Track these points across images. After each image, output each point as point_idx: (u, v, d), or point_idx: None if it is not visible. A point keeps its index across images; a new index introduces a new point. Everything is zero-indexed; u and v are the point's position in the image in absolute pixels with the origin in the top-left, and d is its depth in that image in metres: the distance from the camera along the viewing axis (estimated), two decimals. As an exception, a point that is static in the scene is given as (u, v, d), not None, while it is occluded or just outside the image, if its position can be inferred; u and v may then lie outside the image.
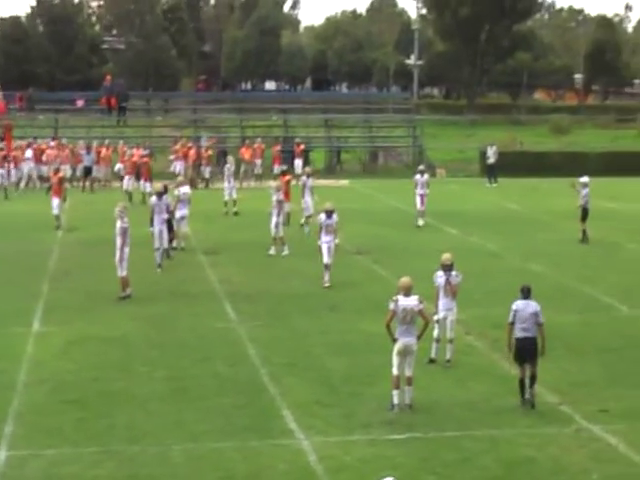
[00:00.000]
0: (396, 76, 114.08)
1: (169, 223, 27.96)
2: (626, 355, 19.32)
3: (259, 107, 67.01)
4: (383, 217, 37.77)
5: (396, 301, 15.83)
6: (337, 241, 25.14)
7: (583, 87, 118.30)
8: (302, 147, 51.16)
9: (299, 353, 19.19)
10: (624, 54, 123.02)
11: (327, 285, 24.75)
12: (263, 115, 65.17)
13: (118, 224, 23.23)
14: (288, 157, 51.82)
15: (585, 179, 32.78)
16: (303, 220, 33.30)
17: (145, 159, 42.84)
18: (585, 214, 32.29)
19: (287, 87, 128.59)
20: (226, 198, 37.76)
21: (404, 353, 15.80)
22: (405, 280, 16.13)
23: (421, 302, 15.96)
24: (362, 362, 18.47)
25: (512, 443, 14.62)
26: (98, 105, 58.27)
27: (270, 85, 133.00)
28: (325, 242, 24.82)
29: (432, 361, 18.35)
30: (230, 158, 40.40)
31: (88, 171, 46.98)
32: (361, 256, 29.40)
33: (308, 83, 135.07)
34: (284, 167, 44.32)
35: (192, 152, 48.48)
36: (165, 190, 28.12)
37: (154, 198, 27.10)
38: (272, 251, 29.20)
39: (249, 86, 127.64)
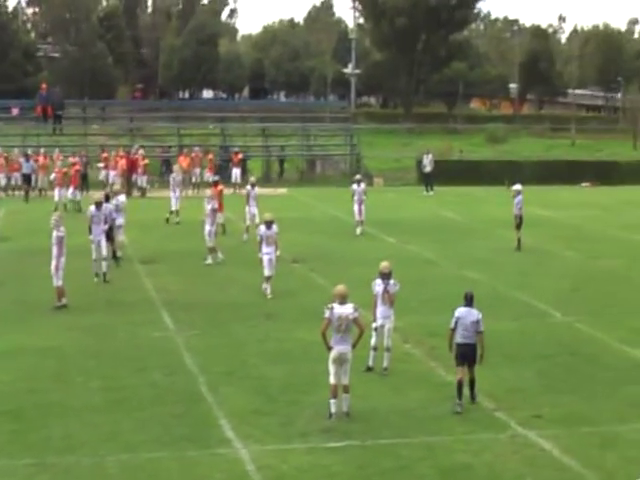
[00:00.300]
0: (333, 85, 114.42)
1: (109, 232, 27.76)
2: (560, 361, 19.54)
3: (196, 115, 66.92)
4: (321, 225, 37.86)
5: (331, 309, 15.84)
6: (278, 253, 25.08)
7: (518, 96, 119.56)
8: (240, 156, 51.10)
9: (236, 362, 19.15)
10: (558, 64, 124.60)
11: (269, 296, 24.64)
12: (200, 124, 65.08)
13: (54, 233, 23.02)
14: (225, 166, 51.77)
15: (518, 187, 33.12)
16: (245, 231, 33.16)
17: (76, 167, 42.65)
18: (519, 222, 32.60)
19: (224, 96, 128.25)
20: (173, 208, 37.47)
21: (339, 361, 15.81)
22: (340, 288, 16.15)
23: (356, 310, 15.97)
24: (300, 370, 18.47)
25: (448, 450, 14.71)
26: (33, 113, 57.70)
27: (207, 94, 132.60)
28: (266, 254, 24.68)
29: (369, 369, 18.41)
30: (176, 167, 40.15)
31: (27, 179, 46.59)
32: (298, 264, 29.42)
33: (246, 92, 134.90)
34: (216, 177, 44.10)
35: (122, 161, 48.17)
36: (107, 199, 28.01)
37: (93, 208, 26.74)
38: (209, 260, 29.13)
39: (186, 95, 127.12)
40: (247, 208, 33.85)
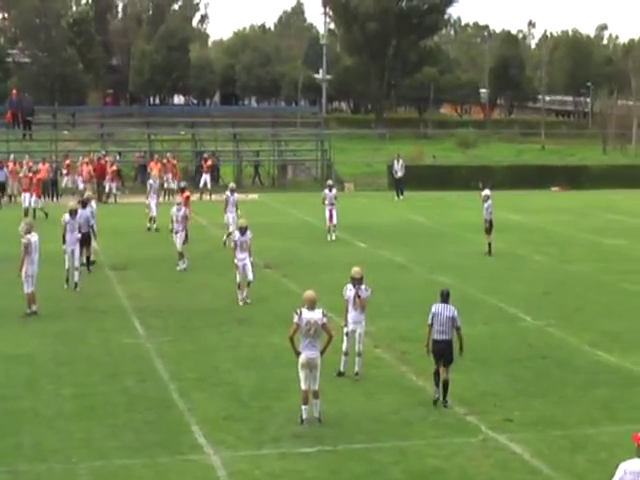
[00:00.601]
0: (304, 90, 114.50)
1: (87, 238, 27.85)
2: (531, 365, 19.65)
3: (167, 121, 66.86)
4: (293, 231, 37.89)
5: (300, 314, 15.85)
6: (251, 259, 25.06)
7: (488, 102, 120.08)
8: (209, 162, 51.05)
9: (208, 368, 19.14)
10: (527, 69, 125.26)
11: (248, 301, 24.63)
12: (171, 129, 65.04)
13: (24, 240, 22.92)
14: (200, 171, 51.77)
15: (486, 192, 33.28)
16: (225, 237, 33.09)
17: (39, 175, 42.59)
18: (489, 226, 32.74)
19: (195, 101, 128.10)
20: (152, 214, 37.31)
21: (308, 367, 15.82)
22: (309, 293, 16.16)
23: (325, 316, 15.98)
24: (271, 376, 18.48)
25: (420, 454, 14.77)
26: (3, 119, 57.40)
27: (178, 99, 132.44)
28: (240, 260, 24.65)
29: (341, 374, 18.45)
30: (153, 173, 39.92)
31: (2, 186, 46.54)
32: (270, 270, 29.44)
33: (217, 97, 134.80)
34: (183, 183, 43.88)
35: (88, 168, 48.02)
36: (84, 205, 28.01)
37: (67, 216, 26.38)
38: (181, 266, 29.14)
39: (157, 100, 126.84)
40: (226, 214, 33.69)
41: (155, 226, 37.00)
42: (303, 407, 15.81)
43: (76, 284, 26.20)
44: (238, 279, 24.76)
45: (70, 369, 18.96)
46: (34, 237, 23.04)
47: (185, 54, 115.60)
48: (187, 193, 33.74)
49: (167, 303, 24.85)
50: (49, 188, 47.84)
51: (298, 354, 15.87)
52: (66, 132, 63.02)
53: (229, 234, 32.30)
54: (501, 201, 45.94)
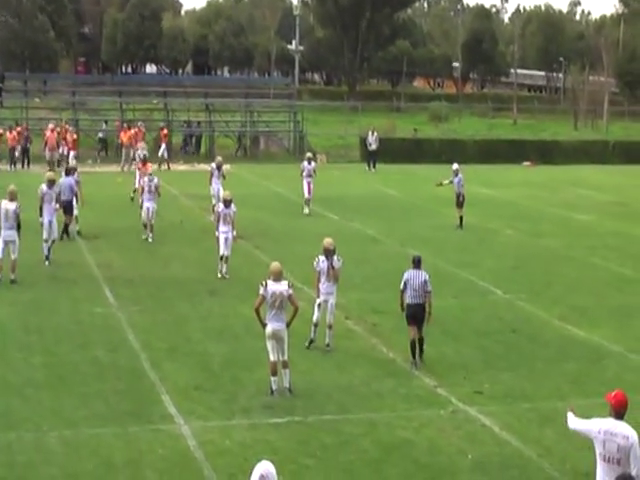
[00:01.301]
0: (277, 62, 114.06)
1: (68, 206, 28.10)
2: (501, 339, 19.77)
3: (140, 90, 66.44)
4: (265, 202, 37.82)
5: (265, 286, 15.84)
6: (234, 233, 24.60)
7: (461, 76, 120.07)
8: (165, 131, 50.63)
9: (179, 338, 19.13)
10: (500, 44, 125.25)
11: (227, 276, 24.29)
12: (144, 98, 64.66)
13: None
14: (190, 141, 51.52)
15: (455, 166, 33.32)
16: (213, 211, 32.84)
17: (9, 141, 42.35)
18: (461, 200, 32.80)
19: (168, 71, 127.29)
20: (137, 185, 36.59)
21: (274, 338, 15.83)
22: (275, 265, 16.15)
23: (291, 287, 15.99)
24: (242, 347, 18.50)
25: (390, 426, 14.85)
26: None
27: (151, 69, 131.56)
28: (223, 232, 24.24)
29: (312, 342, 18.47)
30: (142, 144, 39.22)
31: None
32: (242, 241, 29.35)
33: (189, 67, 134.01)
34: (146, 153, 43.51)
35: (52, 135, 47.47)
36: (67, 173, 28.37)
37: (44, 187, 25.82)
38: (147, 236, 28.84)
39: (129, 69, 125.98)
40: (211, 186, 33.40)
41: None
42: (272, 378, 15.84)
43: (47, 257, 25.62)
44: (220, 252, 24.38)
45: (40, 338, 18.90)
46: (5, 203, 23.02)
47: (158, 23, 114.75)
48: (149, 164, 33.54)
49: (138, 273, 24.78)
50: (21, 155, 47.48)
51: (264, 326, 15.88)
52: (37, 100, 62.57)
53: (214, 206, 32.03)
54: (472, 175, 46.03)
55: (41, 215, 25.76)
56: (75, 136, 48.61)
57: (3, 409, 15.05)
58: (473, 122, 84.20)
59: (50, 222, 25.73)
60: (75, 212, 29.28)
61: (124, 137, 48.45)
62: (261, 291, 15.84)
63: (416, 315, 17.50)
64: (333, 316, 18.55)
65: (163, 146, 49.82)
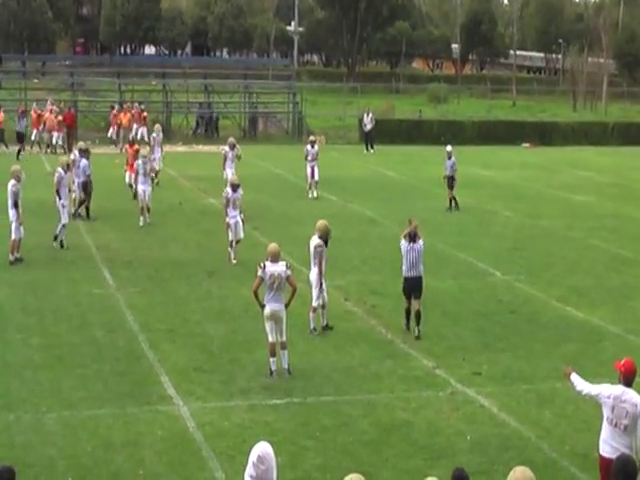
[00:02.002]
0: (276, 43, 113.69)
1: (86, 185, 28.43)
2: (499, 320, 19.76)
3: (138, 71, 66.22)
4: (263, 183, 37.72)
5: (263, 267, 15.82)
6: (242, 216, 24.27)
7: (460, 57, 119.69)
8: (145, 114, 50.01)
9: (178, 319, 19.13)
10: (499, 25, 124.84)
11: (234, 262, 23.80)
12: (142, 80, 64.48)
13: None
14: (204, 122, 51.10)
15: (449, 148, 33.21)
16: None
17: None
18: (452, 182, 32.60)
19: (167, 52, 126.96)
20: (157, 168, 35.48)
21: (272, 319, 15.83)
22: (273, 246, 16.13)
23: (288, 268, 15.97)
24: (241, 328, 18.50)
25: (389, 407, 14.85)
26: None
27: (149, 50, 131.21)
28: (232, 217, 23.93)
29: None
30: (157, 126, 38.59)
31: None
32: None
33: (188, 49, 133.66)
34: (132, 135, 43.21)
35: (51, 117, 47.20)
36: (82, 153, 28.77)
37: (61, 171, 25.51)
38: (143, 222, 28.58)
39: (128, 51, 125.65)
40: (225, 171, 32.89)
41: (157, 181, 35.59)
42: (271, 359, 15.85)
43: (61, 241, 25.21)
44: (230, 237, 24.08)
45: (39, 319, 18.89)
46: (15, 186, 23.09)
47: (156, 4, 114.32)
48: (135, 147, 33.46)
49: (136, 254, 24.75)
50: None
51: (263, 307, 15.87)
52: (36, 80, 62.39)
53: None
54: (471, 156, 46.06)
55: (60, 198, 25.27)
56: (60, 118, 47.73)
57: (2, 390, 15.05)
58: (472, 103, 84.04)
59: (63, 206, 25.28)
60: (75, 194, 29.21)
61: (124, 119, 48.25)
62: (259, 273, 15.82)
63: (413, 287, 18.26)
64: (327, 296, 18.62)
65: (140, 129, 48.50)
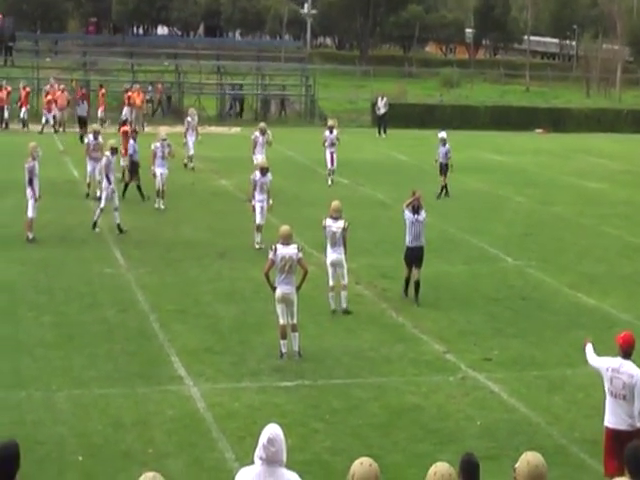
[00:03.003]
0: (289, 25, 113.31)
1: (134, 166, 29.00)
2: (510, 305, 19.74)
3: (151, 52, 66.16)
4: (275, 165, 37.24)
5: (275, 250, 15.79)
6: (271, 202, 23.84)
7: (473, 42, 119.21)
8: (103, 91, 49.06)
9: (189, 300, 19.14)
10: (513, 10, 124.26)
11: (258, 247, 23.27)
12: (155, 60, 64.38)
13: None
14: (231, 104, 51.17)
15: (443, 134, 32.76)
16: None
17: None
18: (445, 170, 32.23)
19: (179, 33, 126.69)
20: (191, 152, 35.65)
21: (284, 302, 15.82)
22: (284, 228, 16.09)
23: (300, 251, 15.93)
24: (251, 310, 18.51)
25: (399, 391, 14.86)
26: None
27: (162, 30, 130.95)
28: (259, 201, 23.62)
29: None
30: (192, 110, 38.03)
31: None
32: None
33: (201, 30, 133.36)
34: (125, 116, 42.94)
35: (63, 95, 46.99)
36: (133, 133, 29.72)
37: (110, 155, 25.20)
38: (159, 205, 28.52)
39: (140, 31, 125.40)
40: (255, 156, 32.17)
41: (192, 165, 35.65)
42: (282, 342, 15.86)
43: (119, 226, 24.82)
44: (257, 221, 23.70)
45: (50, 297, 18.93)
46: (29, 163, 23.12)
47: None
48: (126, 127, 33.34)
49: (148, 234, 24.78)
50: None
51: (274, 289, 15.87)
52: (48, 59, 62.34)
53: None
54: (484, 142, 45.99)
55: (110, 183, 24.85)
56: (49, 97, 47.01)
57: (13, 368, 15.11)
58: (485, 88, 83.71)
59: (113, 191, 24.99)
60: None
61: (137, 99, 48.10)
62: (270, 255, 15.81)
63: (416, 257, 19.15)
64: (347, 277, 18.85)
65: (125, 109, 47.73)
